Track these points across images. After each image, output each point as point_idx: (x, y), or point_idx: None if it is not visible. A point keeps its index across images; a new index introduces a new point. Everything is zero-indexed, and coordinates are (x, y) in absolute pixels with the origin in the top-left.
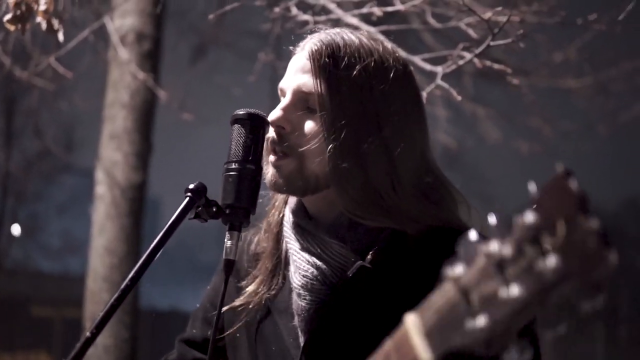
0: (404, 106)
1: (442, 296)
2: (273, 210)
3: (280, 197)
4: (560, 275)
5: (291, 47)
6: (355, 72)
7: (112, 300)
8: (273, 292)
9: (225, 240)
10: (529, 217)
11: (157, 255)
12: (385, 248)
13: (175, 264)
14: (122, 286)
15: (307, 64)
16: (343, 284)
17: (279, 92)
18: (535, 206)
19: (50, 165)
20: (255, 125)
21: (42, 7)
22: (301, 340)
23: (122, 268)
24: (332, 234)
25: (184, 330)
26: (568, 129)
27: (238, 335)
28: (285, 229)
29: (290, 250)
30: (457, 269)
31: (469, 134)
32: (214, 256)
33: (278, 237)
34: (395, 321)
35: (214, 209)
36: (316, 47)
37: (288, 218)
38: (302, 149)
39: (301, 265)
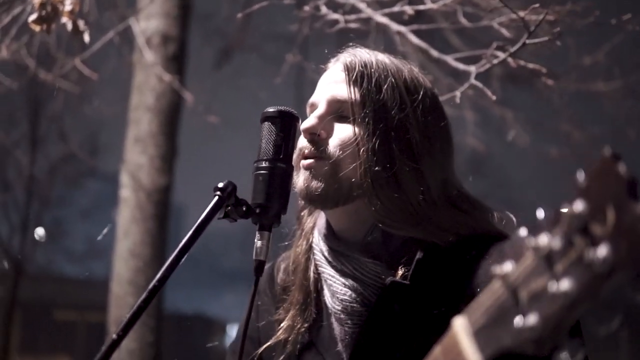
0: (431, 124)
1: (490, 296)
2: (300, 240)
3: (307, 224)
4: (612, 264)
5: (322, 66)
6: (386, 85)
7: (138, 302)
8: (309, 323)
9: (256, 240)
10: (578, 205)
11: (185, 256)
12: (418, 261)
13: (199, 269)
14: (149, 287)
15: (341, 75)
16: (380, 303)
17: (308, 108)
18: (582, 193)
19: (74, 170)
20: (286, 122)
21: (68, 8)
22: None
23: (147, 272)
24: (364, 253)
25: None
26: (597, 133)
27: None
28: (316, 255)
29: (323, 275)
30: (505, 267)
31: (497, 138)
32: (237, 262)
33: (307, 266)
34: (438, 332)
35: (244, 209)
36: (350, 60)
37: (318, 242)
38: (337, 154)
39: (338, 289)
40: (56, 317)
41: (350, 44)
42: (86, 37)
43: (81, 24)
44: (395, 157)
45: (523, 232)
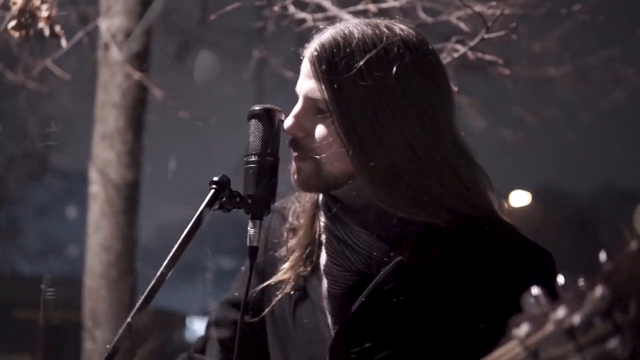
0: (419, 89)
1: (507, 354)
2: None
3: None
4: (631, 354)
5: (301, 50)
6: (356, 70)
7: (144, 295)
8: (308, 270)
9: (249, 228)
10: (601, 290)
11: (187, 247)
12: (418, 242)
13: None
14: (153, 282)
15: (310, 70)
16: (369, 273)
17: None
18: (606, 280)
19: (30, 167)
20: (271, 119)
21: (44, 14)
22: (329, 320)
23: (119, 265)
24: (360, 222)
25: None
26: (551, 117)
27: (277, 308)
28: (320, 212)
29: (322, 234)
30: (523, 328)
31: None
32: (194, 255)
33: (314, 215)
34: (428, 317)
35: (237, 200)
36: (316, 52)
37: (322, 203)
38: (317, 153)
39: (330, 251)
40: (15, 316)
41: (321, 26)
42: (63, 42)
43: (57, 28)
44: (385, 146)
45: (543, 298)
